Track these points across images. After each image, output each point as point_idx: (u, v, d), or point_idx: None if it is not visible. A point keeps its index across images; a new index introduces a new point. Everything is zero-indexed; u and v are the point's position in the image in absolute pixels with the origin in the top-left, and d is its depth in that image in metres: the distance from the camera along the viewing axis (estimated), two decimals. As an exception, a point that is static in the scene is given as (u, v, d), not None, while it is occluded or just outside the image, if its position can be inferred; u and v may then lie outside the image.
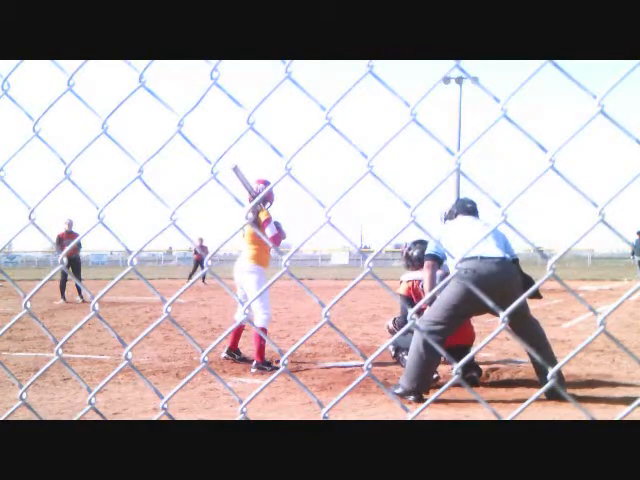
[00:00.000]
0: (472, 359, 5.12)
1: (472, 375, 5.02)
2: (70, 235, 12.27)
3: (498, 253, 4.53)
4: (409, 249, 5.86)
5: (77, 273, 12.57)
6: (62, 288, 12.37)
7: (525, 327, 4.39)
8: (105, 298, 12.27)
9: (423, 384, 4.48)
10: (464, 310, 4.49)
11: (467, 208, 5.04)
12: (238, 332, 6.14)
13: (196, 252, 19.04)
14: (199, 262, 19.01)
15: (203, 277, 18.61)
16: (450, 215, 5.13)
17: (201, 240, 19.18)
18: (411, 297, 5.53)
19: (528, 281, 4.63)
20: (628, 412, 1.01)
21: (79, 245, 12.90)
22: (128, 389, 4.77)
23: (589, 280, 20.56)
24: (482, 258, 4.46)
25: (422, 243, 5.63)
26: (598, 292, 15.27)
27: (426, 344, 4.40)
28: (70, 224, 12.32)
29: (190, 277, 18.42)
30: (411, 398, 4.43)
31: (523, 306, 4.50)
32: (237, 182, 5.70)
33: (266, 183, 5.95)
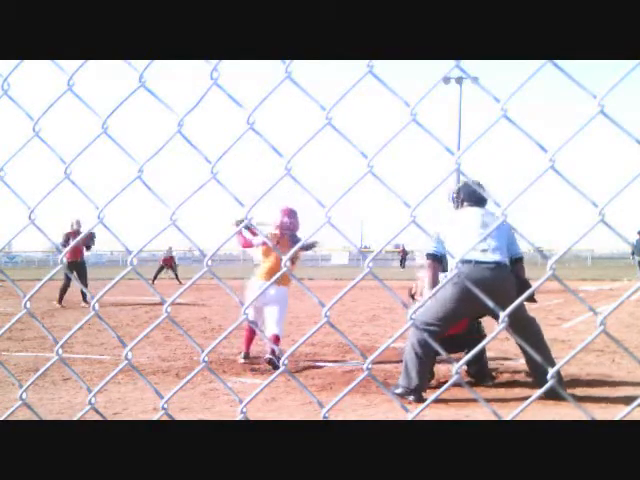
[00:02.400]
0: (485, 367, 5.10)
1: (487, 385, 5.00)
2: (79, 235, 11.90)
3: (494, 257, 4.50)
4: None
5: (83, 278, 11.78)
6: (63, 292, 11.82)
7: (520, 326, 4.39)
8: (105, 298, 12.25)
9: (422, 383, 4.49)
10: (457, 313, 4.51)
11: (474, 197, 4.83)
12: (251, 337, 6.02)
13: (166, 257, 20.61)
14: (164, 267, 20.70)
15: (176, 276, 20.44)
16: (457, 200, 4.91)
17: (170, 249, 20.92)
18: (414, 295, 5.56)
19: (524, 285, 4.61)
20: (628, 412, 1.01)
21: (88, 247, 12.49)
22: (128, 389, 4.77)
23: (589, 280, 20.56)
24: (476, 263, 4.45)
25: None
26: (598, 292, 15.27)
27: (420, 343, 4.45)
28: (79, 223, 11.98)
29: (155, 279, 19.31)
30: (411, 398, 4.43)
31: (519, 308, 4.47)
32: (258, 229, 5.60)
33: (290, 213, 5.85)
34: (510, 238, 4.71)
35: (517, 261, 4.75)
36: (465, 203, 4.87)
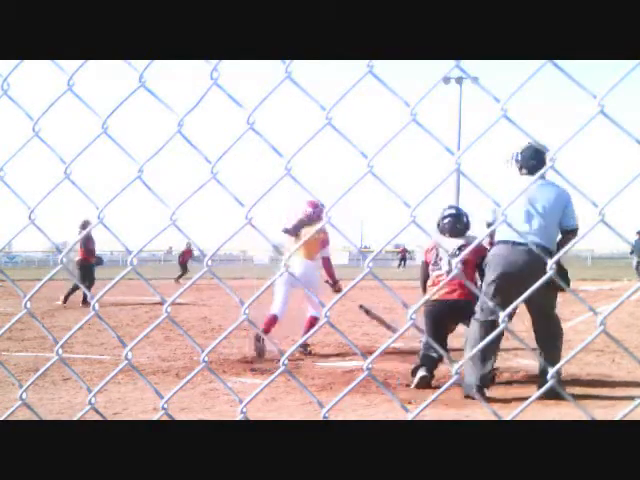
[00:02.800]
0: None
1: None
2: (92, 237, 11.67)
3: (532, 239, 4.21)
4: (441, 217, 5.37)
5: (90, 279, 11.65)
6: (72, 292, 11.75)
7: (543, 324, 4.25)
8: (105, 298, 12.21)
9: (490, 373, 4.33)
10: (502, 295, 4.22)
11: (529, 164, 4.34)
12: (310, 327, 6.45)
13: (182, 255, 20.39)
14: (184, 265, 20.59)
15: (179, 277, 20.23)
16: (518, 165, 4.44)
17: (189, 245, 20.15)
18: (428, 262, 5.36)
19: (560, 273, 4.30)
20: (628, 412, 1.01)
21: (92, 251, 12.40)
22: (128, 389, 4.76)
23: (589, 280, 20.52)
24: (514, 244, 4.22)
25: (455, 217, 5.27)
26: (598, 292, 15.25)
27: (486, 334, 4.22)
28: (89, 224, 11.87)
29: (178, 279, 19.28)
30: (474, 392, 4.19)
31: (547, 303, 4.27)
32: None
33: (316, 206, 6.43)
34: (565, 211, 4.27)
35: (567, 233, 4.30)
36: (523, 170, 4.42)
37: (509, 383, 5.02)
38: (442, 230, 5.35)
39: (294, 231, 6.38)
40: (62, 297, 11.89)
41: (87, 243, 11.75)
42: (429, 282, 5.30)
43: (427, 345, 4.84)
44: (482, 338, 4.28)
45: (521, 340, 1.15)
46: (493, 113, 1.02)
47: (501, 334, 4.24)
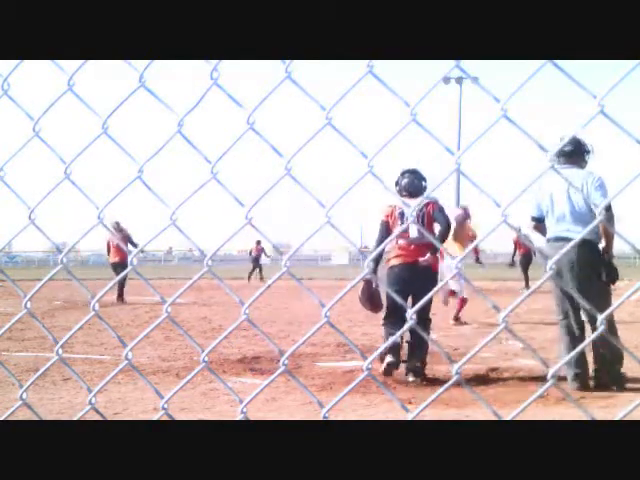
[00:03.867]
0: (423, 367, 5.02)
1: (409, 381, 4.93)
2: (123, 238, 11.94)
3: (568, 234, 4.17)
4: (399, 176, 5.34)
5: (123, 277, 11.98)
6: (120, 290, 12.08)
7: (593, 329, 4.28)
8: (105, 298, 12.21)
9: (583, 368, 4.45)
10: (559, 294, 4.37)
11: (565, 152, 4.16)
12: (462, 303, 8.61)
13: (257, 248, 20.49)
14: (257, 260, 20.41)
15: (250, 274, 19.86)
16: (558, 155, 4.25)
17: (259, 242, 20.27)
18: (389, 224, 5.22)
19: (609, 271, 4.32)
20: (628, 412, 1.01)
21: (128, 244, 12.40)
22: (128, 389, 4.76)
23: (589, 280, 20.48)
24: (556, 240, 4.24)
25: (413, 173, 5.29)
26: (598, 292, 15.22)
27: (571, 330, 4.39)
28: (117, 225, 11.91)
29: (250, 277, 19.27)
30: (576, 385, 4.39)
31: (597, 298, 4.06)
32: None
33: (464, 209, 8.93)
34: (591, 197, 4.13)
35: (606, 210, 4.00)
36: (561, 158, 4.25)
37: (509, 383, 5.02)
38: (401, 189, 5.24)
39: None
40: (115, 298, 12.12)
41: (125, 244, 11.93)
42: (395, 252, 5.19)
43: (389, 327, 4.97)
44: (566, 338, 4.47)
45: (521, 340, 1.14)
46: (493, 113, 1.02)
47: (578, 332, 4.39)
